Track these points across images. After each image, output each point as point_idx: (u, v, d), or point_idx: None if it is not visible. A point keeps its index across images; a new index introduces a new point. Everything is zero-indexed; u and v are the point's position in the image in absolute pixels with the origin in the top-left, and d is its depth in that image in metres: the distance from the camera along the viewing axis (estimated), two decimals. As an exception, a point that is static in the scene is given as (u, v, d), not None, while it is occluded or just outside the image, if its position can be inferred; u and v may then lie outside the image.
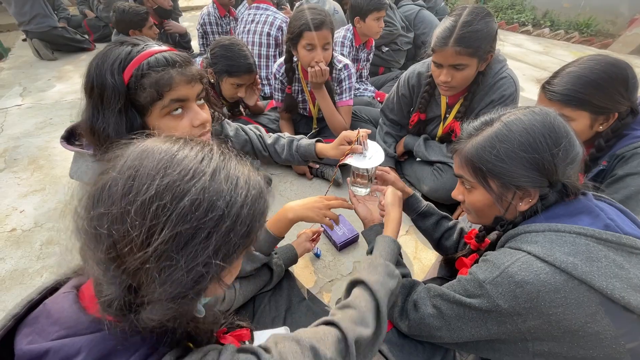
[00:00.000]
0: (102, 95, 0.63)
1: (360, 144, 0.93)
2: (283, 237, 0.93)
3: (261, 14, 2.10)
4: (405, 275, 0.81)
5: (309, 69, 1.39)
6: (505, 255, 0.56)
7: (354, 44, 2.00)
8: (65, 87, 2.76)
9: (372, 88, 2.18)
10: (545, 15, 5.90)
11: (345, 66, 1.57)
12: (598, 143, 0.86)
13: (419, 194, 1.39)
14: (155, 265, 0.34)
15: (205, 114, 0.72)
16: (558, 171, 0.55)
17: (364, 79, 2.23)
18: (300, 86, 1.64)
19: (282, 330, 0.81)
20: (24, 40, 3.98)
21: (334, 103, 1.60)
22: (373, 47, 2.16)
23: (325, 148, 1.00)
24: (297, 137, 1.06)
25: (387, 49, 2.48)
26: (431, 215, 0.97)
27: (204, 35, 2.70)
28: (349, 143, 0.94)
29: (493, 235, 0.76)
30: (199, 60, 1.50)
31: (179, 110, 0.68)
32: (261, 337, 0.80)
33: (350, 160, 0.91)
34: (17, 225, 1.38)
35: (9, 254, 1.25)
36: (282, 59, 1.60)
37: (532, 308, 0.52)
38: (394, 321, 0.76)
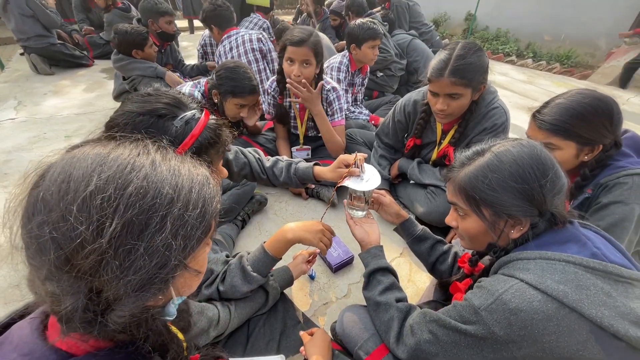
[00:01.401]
0: None
1: (358, 167, 0.96)
2: (281, 259, 0.93)
3: (235, 38, 2.18)
4: (401, 299, 0.82)
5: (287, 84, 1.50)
6: (499, 282, 0.58)
7: (349, 69, 2.07)
8: (62, 101, 2.76)
9: (367, 112, 2.25)
10: (528, 46, 6.24)
11: (333, 88, 1.64)
12: (583, 172, 0.91)
13: (412, 217, 1.42)
14: (114, 256, 0.33)
15: (224, 170, 0.80)
16: (547, 201, 0.58)
17: (359, 103, 2.30)
18: (290, 102, 1.70)
19: (278, 359, 0.79)
20: (22, 54, 4.01)
21: None
22: (368, 73, 2.25)
23: (323, 171, 1.03)
24: (295, 160, 1.09)
25: (381, 74, 2.59)
26: (426, 240, 0.99)
27: (204, 55, 2.78)
28: (347, 166, 0.97)
29: (486, 260, 0.78)
30: (202, 80, 1.54)
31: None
32: None
33: (348, 183, 0.93)
34: (3, 241, 1.34)
35: (-8, 273, 1.21)
36: (272, 78, 1.70)
37: (527, 335, 0.53)
38: (390, 346, 0.76)
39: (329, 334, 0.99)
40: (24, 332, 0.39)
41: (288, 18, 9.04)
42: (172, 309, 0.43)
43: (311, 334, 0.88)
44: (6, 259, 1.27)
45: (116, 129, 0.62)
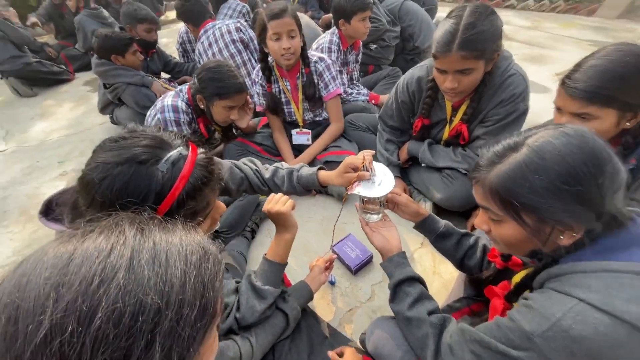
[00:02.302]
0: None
1: (367, 170, 0.86)
2: (287, 263, 0.89)
3: (212, 32, 2.02)
4: (433, 311, 0.75)
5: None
6: (553, 303, 0.49)
7: (341, 47, 1.91)
8: (49, 124, 2.66)
9: (366, 90, 2.10)
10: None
11: (320, 58, 1.55)
12: (625, 140, 0.79)
13: (430, 206, 1.33)
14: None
15: (222, 205, 0.71)
16: (605, 201, 0.48)
17: (355, 82, 2.15)
18: (280, 86, 1.58)
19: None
20: (0, 78, 3.88)
21: (321, 98, 1.59)
22: (361, 48, 2.08)
23: (329, 176, 0.93)
24: (297, 166, 0.99)
25: (375, 46, 2.39)
26: (451, 235, 0.90)
27: (184, 53, 2.62)
28: (355, 170, 0.87)
29: (525, 259, 0.69)
30: (185, 87, 1.41)
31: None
32: None
33: (359, 190, 0.84)
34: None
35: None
36: (258, 66, 1.59)
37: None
38: (422, 357, 0.70)
39: (358, 343, 0.94)
40: None
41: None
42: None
43: (340, 354, 0.83)
44: None
45: (90, 187, 0.53)
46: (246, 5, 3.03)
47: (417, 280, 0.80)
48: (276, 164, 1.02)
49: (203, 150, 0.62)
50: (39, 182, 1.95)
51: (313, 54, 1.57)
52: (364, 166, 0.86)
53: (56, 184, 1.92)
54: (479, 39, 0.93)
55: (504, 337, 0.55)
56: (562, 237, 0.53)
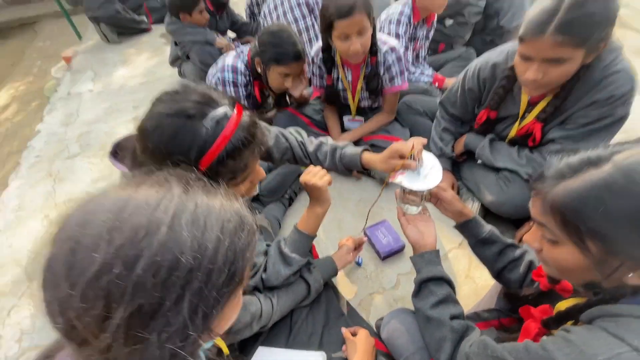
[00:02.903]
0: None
1: (414, 159, 0.81)
2: (316, 235, 0.91)
3: None
4: (457, 316, 0.72)
5: None
6: (600, 345, 0.43)
7: (411, 20, 1.75)
8: (129, 71, 2.95)
9: (431, 71, 1.93)
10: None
11: (392, 49, 1.39)
12: None
13: (477, 207, 1.22)
14: (121, 350, 0.29)
15: (262, 171, 0.72)
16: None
17: (421, 60, 1.98)
18: (339, 74, 1.50)
19: (319, 357, 0.78)
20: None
21: (382, 90, 1.48)
22: (434, 23, 1.89)
23: (372, 159, 0.90)
24: (341, 144, 0.97)
25: (451, 21, 2.15)
26: (494, 243, 0.83)
27: (251, 15, 2.64)
28: (401, 157, 0.83)
29: (579, 288, 0.61)
30: (245, 49, 1.43)
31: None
32: (299, 356, 0.80)
33: (402, 179, 0.80)
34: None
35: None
36: (319, 44, 1.45)
37: None
38: (435, 358, 0.69)
39: (374, 328, 0.95)
40: None
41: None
42: (201, 355, 0.40)
43: (354, 334, 0.85)
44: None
45: (144, 135, 0.58)
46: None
47: (446, 281, 0.77)
48: (321, 139, 1.01)
49: (249, 113, 0.63)
50: (116, 122, 2.21)
51: (384, 40, 1.41)
52: (412, 155, 0.81)
53: (129, 126, 2.15)
54: (584, 23, 0.76)
55: None
56: (631, 274, 0.45)
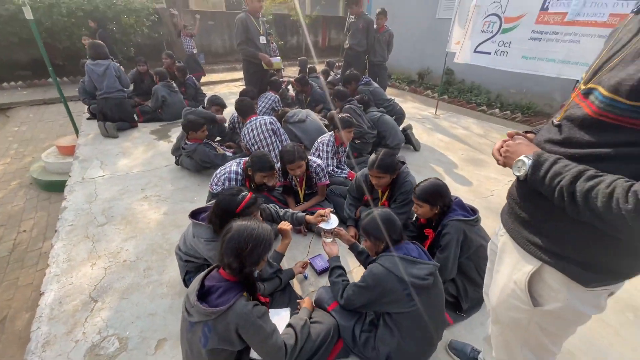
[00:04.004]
0: (225, 215, 1.62)
1: (327, 216, 1.93)
2: (284, 254, 1.88)
3: (255, 123, 3.24)
4: (345, 279, 1.73)
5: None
6: (372, 265, 1.50)
7: (335, 144, 3.11)
8: (130, 161, 3.82)
9: (347, 171, 3.25)
10: (497, 97, 7.42)
11: (318, 165, 2.66)
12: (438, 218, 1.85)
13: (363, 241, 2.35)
14: (248, 255, 1.26)
15: (259, 216, 1.75)
16: (397, 235, 1.53)
17: (341, 164, 3.32)
18: (292, 179, 2.70)
19: (287, 310, 1.70)
20: (88, 118, 5.25)
21: (316, 184, 2.67)
22: (348, 145, 3.29)
23: (309, 218, 2.00)
24: (295, 212, 2.06)
25: (358, 141, 3.64)
26: (363, 253, 1.91)
27: (233, 129, 3.91)
28: (322, 216, 1.93)
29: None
30: (242, 160, 2.56)
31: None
32: (274, 313, 1.69)
33: (322, 224, 1.90)
34: (126, 258, 2.29)
35: (125, 275, 2.15)
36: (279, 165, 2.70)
37: (378, 285, 1.44)
38: (338, 300, 1.66)
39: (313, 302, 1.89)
40: (214, 275, 1.33)
41: (293, 70, 10.50)
42: (264, 270, 1.38)
43: (303, 301, 1.79)
44: (131, 269, 2.21)
45: (217, 205, 1.62)
46: (277, 96, 4.44)
47: (341, 267, 1.79)
48: (286, 209, 2.09)
49: (254, 195, 1.70)
50: (130, 200, 3.01)
51: (314, 160, 2.68)
52: (326, 214, 1.92)
53: (142, 203, 2.98)
54: (385, 165, 2.07)
55: (360, 281, 1.54)
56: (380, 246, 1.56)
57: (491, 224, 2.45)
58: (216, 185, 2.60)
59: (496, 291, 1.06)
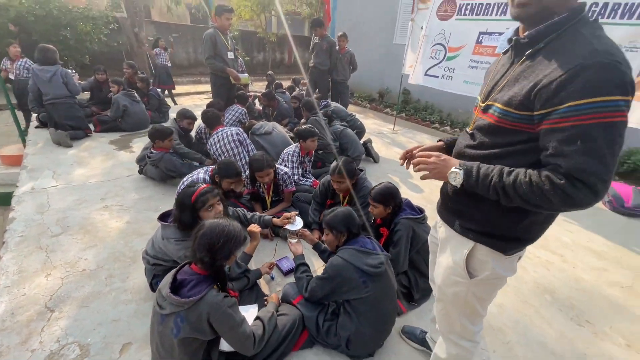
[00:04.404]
0: (183, 208, 1.72)
1: (292, 219, 2.09)
2: (252, 255, 1.99)
3: (221, 134, 3.35)
4: (310, 275, 1.88)
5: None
6: (332, 258, 1.68)
7: (300, 154, 3.31)
8: (87, 171, 3.66)
9: (312, 179, 3.44)
10: (447, 116, 8.17)
11: (285, 172, 2.83)
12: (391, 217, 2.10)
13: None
14: (219, 250, 1.37)
15: (220, 207, 1.85)
16: (355, 229, 1.72)
17: (307, 173, 3.51)
18: (260, 186, 2.84)
19: (255, 306, 1.80)
20: (37, 127, 4.94)
21: (283, 190, 2.82)
22: (313, 154, 3.50)
23: (276, 221, 2.14)
24: (263, 215, 2.19)
25: (321, 151, 3.87)
26: (325, 251, 2.08)
27: (199, 139, 3.95)
28: (288, 218, 2.09)
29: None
30: (209, 168, 2.64)
31: (211, 209, 1.79)
32: (243, 310, 1.79)
33: (288, 226, 2.05)
34: (86, 267, 2.23)
35: (85, 284, 2.09)
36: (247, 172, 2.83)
37: (338, 275, 1.62)
38: (302, 294, 1.80)
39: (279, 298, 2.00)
40: (186, 270, 1.41)
41: (260, 84, 10.70)
42: (233, 269, 1.49)
43: (270, 298, 1.90)
44: (91, 278, 2.15)
45: (177, 202, 1.71)
46: (244, 109, 4.57)
47: (306, 264, 1.95)
48: (253, 212, 2.21)
49: (210, 186, 1.82)
50: (88, 210, 2.91)
51: (280, 168, 2.84)
52: (291, 217, 2.08)
53: (102, 212, 2.89)
54: (348, 170, 2.30)
55: (322, 273, 1.70)
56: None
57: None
58: (183, 192, 2.64)
59: (440, 272, 1.28)
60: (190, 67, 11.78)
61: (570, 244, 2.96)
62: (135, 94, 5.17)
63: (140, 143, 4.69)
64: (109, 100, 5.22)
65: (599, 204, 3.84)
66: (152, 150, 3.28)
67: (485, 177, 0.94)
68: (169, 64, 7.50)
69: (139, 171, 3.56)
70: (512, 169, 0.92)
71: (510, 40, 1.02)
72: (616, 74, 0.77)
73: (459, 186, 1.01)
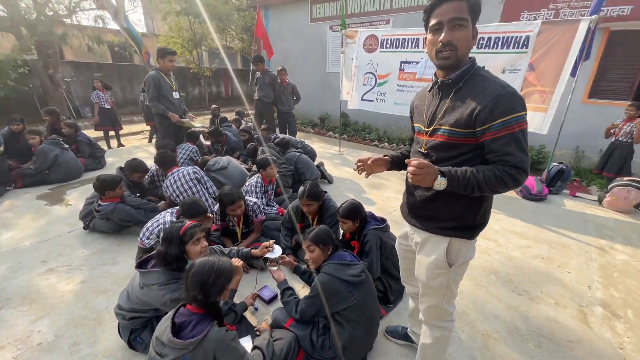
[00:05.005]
0: (170, 241, 1.72)
1: (271, 247, 2.18)
2: (236, 290, 2.01)
3: (177, 174, 3.33)
4: (297, 297, 1.98)
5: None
6: (319, 275, 1.82)
7: (263, 183, 3.41)
8: (16, 233, 3.21)
9: (276, 207, 3.55)
10: (384, 133, 8.98)
11: (255, 202, 2.91)
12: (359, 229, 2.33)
13: (304, 266, 2.66)
14: (210, 287, 1.42)
15: (205, 242, 1.88)
16: (334, 241, 1.90)
17: (271, 202, 3.61)
18: (230, 220, 2.87)
19: (249, 338, 1.82)
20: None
21: (253, 221, 2.89)
22: (274, 182, 3.63)
23: (255, 252, 2.21)
24: (240, 248, 2.24)
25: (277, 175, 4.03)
26: (305, 273, 2.21)
27: (151, 182, 3.79)
28: (266, 247, 2.18)
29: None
30: (174, 210, 2.58)
31: (197, 242, 1.81)
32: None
33: (267, 255, 2.14)
34: (42, 340, 1.97)
35: (46, 358, 1.86)
36: (217, 207, 2.85)
37: (328, 289, 1.77)
38: (293, 316, 1.89)
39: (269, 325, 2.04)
40: (183, 311, 1.42)
41: (200, 118, 10.47)
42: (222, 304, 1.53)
43: (262, 327, 1.94)
44: (51, 351, 1.92)
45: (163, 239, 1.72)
46: (195, 147, 4.54)
47: (291, 288, 2.04)
48: (230, 248, 2.25)
49: (195, 222, 1.86)
50: (29, 276, 2.56)
51: (249, 199, 2.90)
52: (270, 246, 2.18)
53: (47, 276, 2.57)
54: (312, 193, 2.50)
55: (308, 293, 1.83)
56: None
57: (397, 232, 3.09)
58: (148, 238, 2.55)
59: (423, 270, 1.47)
60: (120, 107, 11.04)
61: (500, 230, 3.56)
62: (62, 141, 4.74)
63: (75, 194, 4.27)
64: (27, 152, 4.68)
65: (513, 193, 4.67)
66: (100, 203, 3.04)
67: (463, 178, 1.17)
68: (108, 106, 6.33)
69: (84, 227, 3.25)
70: (476, 169, 1.17)
71: (436, 83, 1.36)
72: (519, 97, 1.15)
73: (442, 189, 1.19)
